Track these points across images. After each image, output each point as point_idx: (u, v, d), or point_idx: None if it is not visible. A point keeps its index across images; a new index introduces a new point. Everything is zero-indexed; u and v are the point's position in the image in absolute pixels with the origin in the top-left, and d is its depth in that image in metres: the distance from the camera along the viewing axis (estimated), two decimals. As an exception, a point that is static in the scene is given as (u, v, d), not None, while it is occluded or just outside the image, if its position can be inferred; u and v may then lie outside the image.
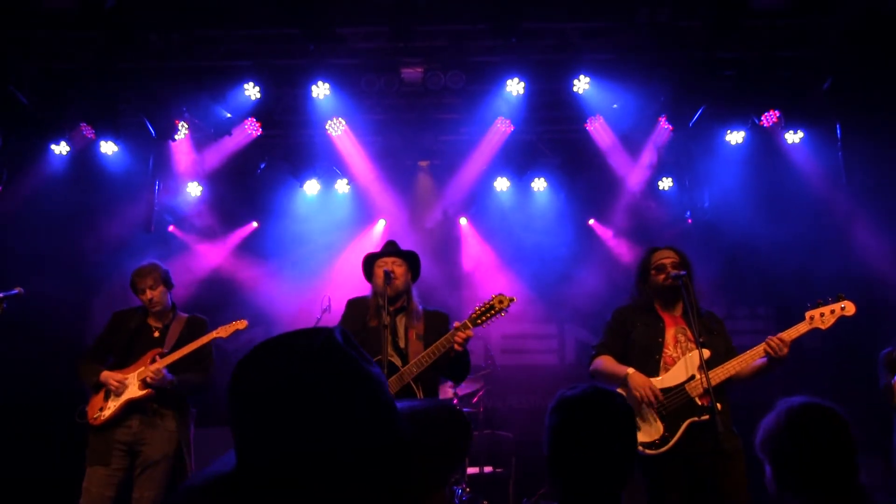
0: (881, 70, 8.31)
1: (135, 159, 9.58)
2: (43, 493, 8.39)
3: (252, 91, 8.66)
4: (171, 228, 10.51)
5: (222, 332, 5.99)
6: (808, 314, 5.02)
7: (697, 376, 4.97)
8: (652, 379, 5.05)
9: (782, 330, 5.01)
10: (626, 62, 8.51)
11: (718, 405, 4.80)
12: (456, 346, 5.17)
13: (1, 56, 8.16)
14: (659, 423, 4.97)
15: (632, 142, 9.76)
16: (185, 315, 6.28)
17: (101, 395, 5.91)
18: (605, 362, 5.31)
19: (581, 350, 10.72)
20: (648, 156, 9.89)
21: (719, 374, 4.95)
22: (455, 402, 8.92)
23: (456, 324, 5.24)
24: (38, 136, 9.17)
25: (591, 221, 11.02)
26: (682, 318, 5.30)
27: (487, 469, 8.97)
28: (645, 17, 7.69)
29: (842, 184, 9.19)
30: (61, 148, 9.18)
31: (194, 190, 10.22)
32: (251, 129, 9.34)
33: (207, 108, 8.99)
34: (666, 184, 10.35)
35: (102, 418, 5.81)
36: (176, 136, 9.20)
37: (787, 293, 9.31)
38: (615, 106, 9.08)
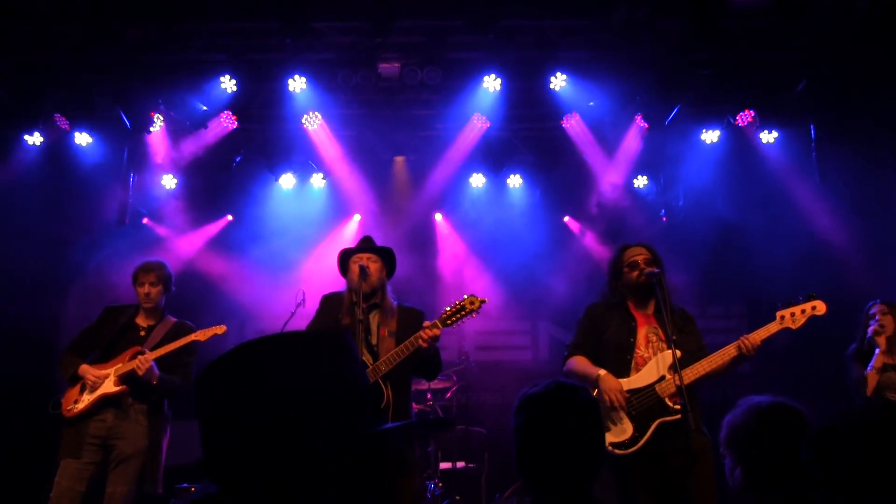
0: (854, 72, 8.41)
1: (109, 151, 9.53)
2: (12, 488, 8.35)
3: (228, 84, 8.64)
4: (145, 221, 10.43)
5: (200, 335, 5.97)
6: (778, 314, 5.03)
7: (668, 377, 4.98)
8: (623, 379, 5.05)
9: (755, 328, 5.03)
10: (603, 60, 8.56)
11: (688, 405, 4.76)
12: (422, 344, 5.13)
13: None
14: (629, 424, 4.97)
15: (607, 139, 9.78)
16: (174, 319, 6.27)
17: (77, 388, 5.89)
18: (578, 363, 5.29)
19: (554, 346, 10.75)
20: (624, 154, 9.91)
21: (689, 374, 4.95)
22: (429, 397, 8.94)
23: (426, 323, 5.24)
24: (10, 127, 9.10)
25: (566, 218, 11.05)
26: (654, 316, 5.32)
27: (460, 464, 8.99)
28: (623, 16, 7.70)
29: (816, 183, 9.28)
30: (35, 138, 9.12)
31: (169, 182, 10.16)
32: (227, 122, 9.32)
33: (183, 101, 8.96)
34: (641, 182, 10.40)
35: (76, 411, 5.79)
36: (151, 129, 9.17)
37: (761, 292, 9.38)
38: (591, 104, 9.12)
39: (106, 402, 5.81)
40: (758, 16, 7.95)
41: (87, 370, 5.85)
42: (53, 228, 9.66)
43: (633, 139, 9.72)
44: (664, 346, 5.13)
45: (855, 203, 9.23)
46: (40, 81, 8.73)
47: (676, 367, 4.85)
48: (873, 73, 8.41)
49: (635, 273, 5.28)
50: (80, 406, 5.79)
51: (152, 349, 5.92)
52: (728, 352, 4.98)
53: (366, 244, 5.76)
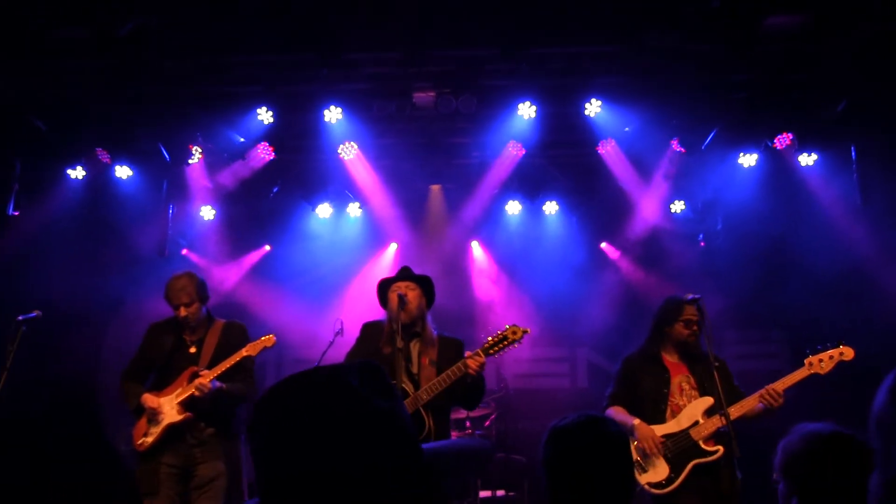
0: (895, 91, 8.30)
1: (149, 183, 9.65)
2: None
3: (265, 116, 8.73)
4: (184, 252, 10.52)
5: (251, 349, 5.82)
6: (807, 361, 5.29)
7: (701, 421, 5.34)
8: (658, 426, 5.43)
9: (795, 354, 5.25)
10: (637, 85, 8.54)
11: (721, 448, 5.27)
12: (470, 372, 5.19)
13: (19, 84, 8.28)
14: (664, 466, 5.31)
15: (644, 165, 9.73)
16: (222, 321, 6.18)
17: (145, 419, 5.83)
18: (616, 413, 5.61)
19: (592, 373, 10.66)
20: (661, 179, 9.84)
21: (717, 420, 5.28)
22: (468, 425, 8.90)
23: (468, 353, 5.27)
24: (54, 161, 9.28)
25: (603, 245, 10.98)
26: (685, 365, 5.67)
27: (500, 493, 8.93)
28: (655, 41, 7.68)
29: (857, 206, 9.14)
30: (77, 172, 9.29)
31: (207, 214, 10.25)
32: (264, 153, 9.42)
33: (221, 133, 9.08)
34: (678, 207, 10.30)
35: (146, 445, 5.74)
36: (190, 161, 9.28)
37: (801, 316, 9.25)
38: (627, 129, 9.09)
39: (174, 431, 5.74)
40: (794, 37, 7.89)
41: (146, 399, 5.79)
42: (94, 260, 9.81)
43: (669, 164, 9.66)
44: (697, 393, 5.55)
45: (898, 225, 9.09)
46: (82, 116, 8.90)
47: (723, 402, 5.18)
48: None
49: (688, 332, 5.60)
50: (150, 440, 5.74)
51: (209, 365, 5.84)
52: (749, 403, 5.30)
53: (404, 273, 5.77)
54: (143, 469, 5.78)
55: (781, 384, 5.22)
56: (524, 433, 9.81)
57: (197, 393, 5.63)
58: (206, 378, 5.68)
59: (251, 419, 1.59)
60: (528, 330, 5.34)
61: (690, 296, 5.54)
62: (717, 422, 5.27)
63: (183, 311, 5.92)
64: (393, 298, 5.53)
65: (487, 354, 5.27)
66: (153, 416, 5.76)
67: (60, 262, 9.34)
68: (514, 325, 5.33)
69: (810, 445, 2.80)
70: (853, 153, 9.20)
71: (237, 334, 6.10)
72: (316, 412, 1.51)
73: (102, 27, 7.27)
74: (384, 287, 5.76)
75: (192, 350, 6.02)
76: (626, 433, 2.88)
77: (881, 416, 1.93)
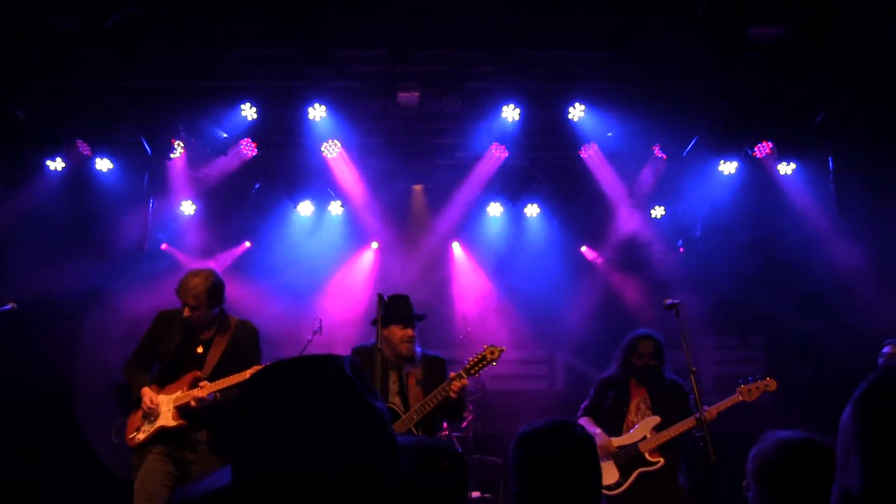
0: (873, 104, 8.40)
1: (130, 177, 9.58)
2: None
3: (249, 111, 8.70)
4: (163, 246, 10.45)
5: (251, 374, 5.62)
6: (738, 389, 6.28)
7: (648, 437, 6.35)
8: (614, 438, 6.45)
9: (774, 360, 5.69)
10: (622, 91, 8.59)
11: (662, 460, 6.26)
12: (451, 395, 5.55)
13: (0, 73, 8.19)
14: (616, 471, 6.36)
15: (625, 170, 9.79)
16: (235, 320, 5.94)
17: (140, 413, 5.70)
18: (586, 423, 6.55)
19: (570, 376, 10.72)
20: (642, 184, 9.91)
21: (663, 436, 6.31)
22: (444, 425, 8.90)
23: (452, 374, 5.63)
24: (33, 152, 9.18)
25: (583, 248, 11.03)
26: (645, 388, 6.61)
27: (475, 494, 8.95)
28: (642, 48, 7.73)
29: (834, 215, 9.25)
30: (56, 164, 9.17)
31: (188, 209, 10.17)
32: (247, 149, 9.36)
33: (204, 128, 9.01)
34: (658, 212, 10.36)
35: (137, 440, 5.64)
36: (172, 155, 9.21)
37: (779, 323, 9.34)
38: (610, 134, 9.13)
39: (166, 434, 5.62)
40: (777, 47, 7.96)
41: (144, 394, 5.64)
42: (73, 253, 9.72)
43: (650, 170, 9.73)
44: (650, 412, 6.50)
45: (874, 235, 9.20)
46: (63, 107, 8.81)
47: (704, 424, 5.85)
48: (892, 103, 8.40)
49: (641, 363, 6.55)
50: (142, 437, 5.63)
51: (213, 370, 5.66)
52: (690, 422, 6.22)
53: (411, 317, 5.96)
54: (137, 454, 5.67)
55: (715, 409, 6.12)
56: (501, 434, 9.82)
57: (194, 403, 5.52)
58: (204, 392, 5.53)
59: (236, 400, 1.51)
60: (504, 349, 5.74)
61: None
62: (660, 438, 6.27)
63: (187, 312, 5.67)
64: (397, 333, 5.85)
65: (469, 375, 5.65)
66: (145, 412, 5.65)
67: (37, 255, 9.23)
68: (492, 346, 5.72)
69: (783, 453, 2.83)
70: (830, 163, 9.31)
71: (247, 337, 5.92)
72: (315, 404, 1.45)
73: (90, 17, 7.20)
74: (387, 320, 5.91)
75: (199, 350, 5.81)
76: (591, 436, 2.96)
77: (842, 426, 1.93)
